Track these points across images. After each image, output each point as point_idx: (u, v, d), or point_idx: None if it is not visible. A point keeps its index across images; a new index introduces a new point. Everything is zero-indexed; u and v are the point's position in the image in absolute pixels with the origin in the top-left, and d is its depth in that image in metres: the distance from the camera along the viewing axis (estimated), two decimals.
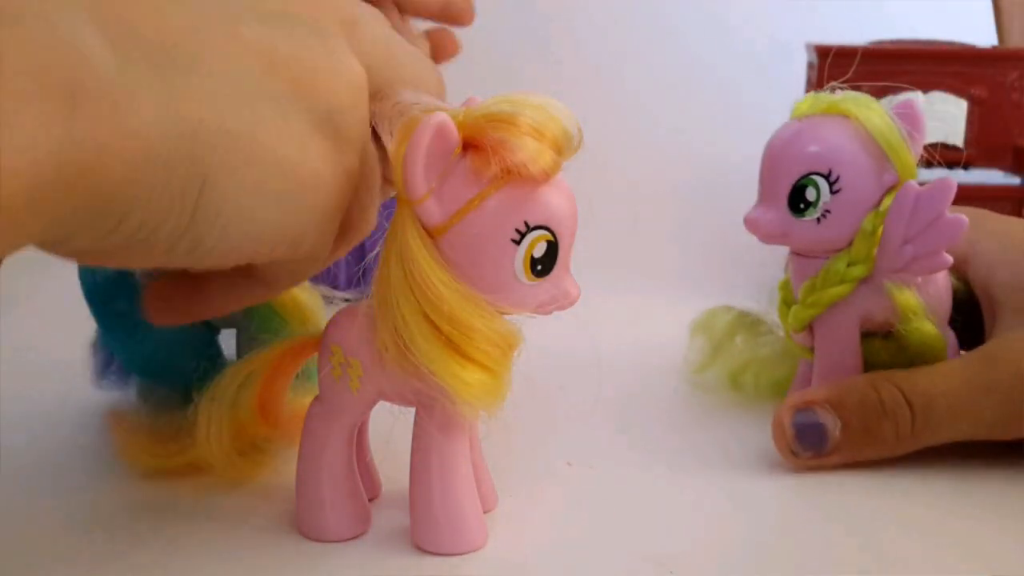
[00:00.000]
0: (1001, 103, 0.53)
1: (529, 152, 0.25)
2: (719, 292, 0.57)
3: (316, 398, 0.29)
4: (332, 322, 0.28)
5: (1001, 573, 0.28)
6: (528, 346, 0.47)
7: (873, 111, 0.33)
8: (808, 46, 0.55)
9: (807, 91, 0.55)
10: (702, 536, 0.30)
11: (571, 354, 0.47)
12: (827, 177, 0.33)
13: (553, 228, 0.26)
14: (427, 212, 0.25)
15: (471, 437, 0.29)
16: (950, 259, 0.33)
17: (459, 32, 0.72)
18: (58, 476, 0.34)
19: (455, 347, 0.25)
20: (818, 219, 0.34)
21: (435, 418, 0.27)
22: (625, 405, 0.41)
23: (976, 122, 0.53)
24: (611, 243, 0.65)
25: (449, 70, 0.69)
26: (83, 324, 0.38)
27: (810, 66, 0.55)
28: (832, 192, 0.33)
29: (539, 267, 0.26)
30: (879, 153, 0.33)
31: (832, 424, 0.32)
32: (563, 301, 0.27)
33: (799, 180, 0.34)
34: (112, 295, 0.34)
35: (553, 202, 0.26)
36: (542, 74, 0.72)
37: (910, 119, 0.33)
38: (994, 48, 0.65)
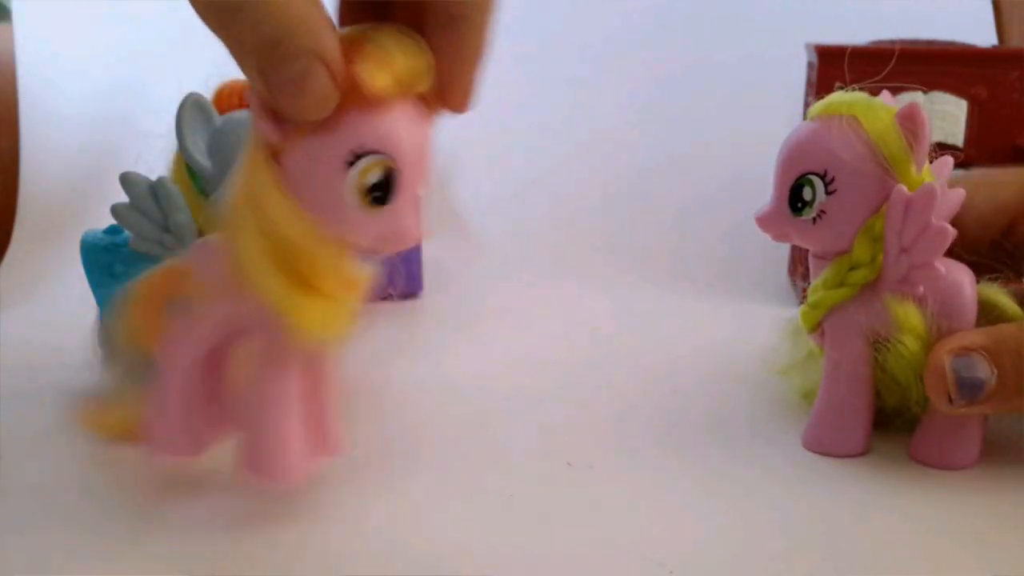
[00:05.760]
0: (1001, 103, 0.53)
1: (367, 68, 0.24)
2: (720, 291, 0.58)
3: (171, 318, 0.30)
4: (191, 249, 0.30)
5: (1001, 573, 0.28)
6: (529, 346, 0.47)
7: (878, 116, 0.33)
8: (808, 46, 0.55)
9: (807, 91, 0.55)
10: (702, 536, 0.30)
11: (571, 354, 0.47)
12: (822, 177, 0.33)
13: (393, 154, 0.25)
14: (264, 128, 0.25)
15: (322, 376, 0.29)
16: (942, 270, 0.32)
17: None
18: (58, 474, 0.34)
19: (291, 269, 0.26)
20: (814, 219, 0.34)
21: (267, 349, 0.28)
22: (625, 405, 0.41)
23: (976, 122, 0.53)
24: (611, 241, 0.65)
25: None
26: (83, 324, 0.38)
27: (810, 66, 0.55)
28: (827, 192, 0.33)
29: (375, 194, 0.25)
30: (880, 157, 0.32)
31: (989, 375, 0.32)
32: (400, 238, 0.26)
33: (797, 179, 0.34)
34: (110, 260, 0.37)
35: (394, 129, 0.25)
36: (543, 75, 0.72)
37: (911, 126, 0.32)
38: (994, 48, 0.65)
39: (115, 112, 0.69)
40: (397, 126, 0.25)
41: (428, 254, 0.58)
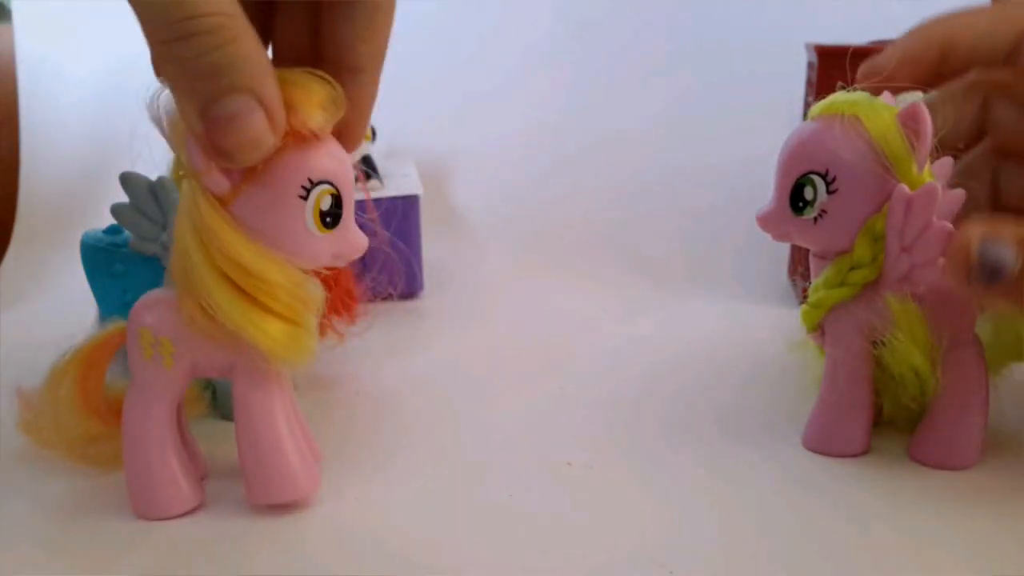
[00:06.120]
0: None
1: (304, 111, 0.27)
2: (720, 291, 0.58)
3: (131, 383, 0.30)
4: (136, 309, 0.30)
5: (1001, 574, 0.28)
6: (529, 346, 0.47)
7: (880, 115, 0.33)
8: (808, 46, 0.55)
9: (807, 91, 0.55)
10: (702, 536, 0.30)
11: (572, 354, 0.47)
12: (824, 176, 0.33)
13: (335, 181, 0.28)
14: (214, 182, 0.27)
15: (287, 396, 0.31)
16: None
17: (470, 25, 0.72)
18: (58, 473, 0.34)
19: (257, 303, 0.28)
20: (815, 219, 0.34)
21: (249, 379, 0.29)
22: (626, 405, 0.41)
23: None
24: (611, 241, 0.65)
25: (455, 69, 0.70)
26: (83, 324, 0.38)
27: (810, 66, 0.55)
28: (828, 192, 0.33)
29: (328, 219, 0.28)
30: (882, 156, 0.32)
31: (1012, 261, 0.30)
32: (352, 249, 0.29)
33: (799, 178, 0.34)
34: (110, 260, 0.37)
35: (330, 159, 0.28)
36: (544, 76, 0.72)
37: (913, 126, 0.32)
38: None
39: (115, 112, 0.69)
40: (334, 156, 0.28)
41: (428, 254, 0.58)
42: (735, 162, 0.65)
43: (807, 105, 0.55)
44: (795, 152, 0.34)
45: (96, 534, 0.30)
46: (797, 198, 0.34)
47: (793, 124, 0.58)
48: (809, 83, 0.55)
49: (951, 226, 0.31)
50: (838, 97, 0.34)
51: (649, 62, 0.71)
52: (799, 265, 0.55)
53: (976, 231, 0.31)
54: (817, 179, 0.33)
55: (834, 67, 0.51)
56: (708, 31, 0.71)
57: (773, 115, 0.58)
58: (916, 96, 0.35)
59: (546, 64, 0.72)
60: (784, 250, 0.57)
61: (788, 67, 0.59)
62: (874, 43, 0.54)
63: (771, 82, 0.63)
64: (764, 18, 0.70)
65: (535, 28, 0.73)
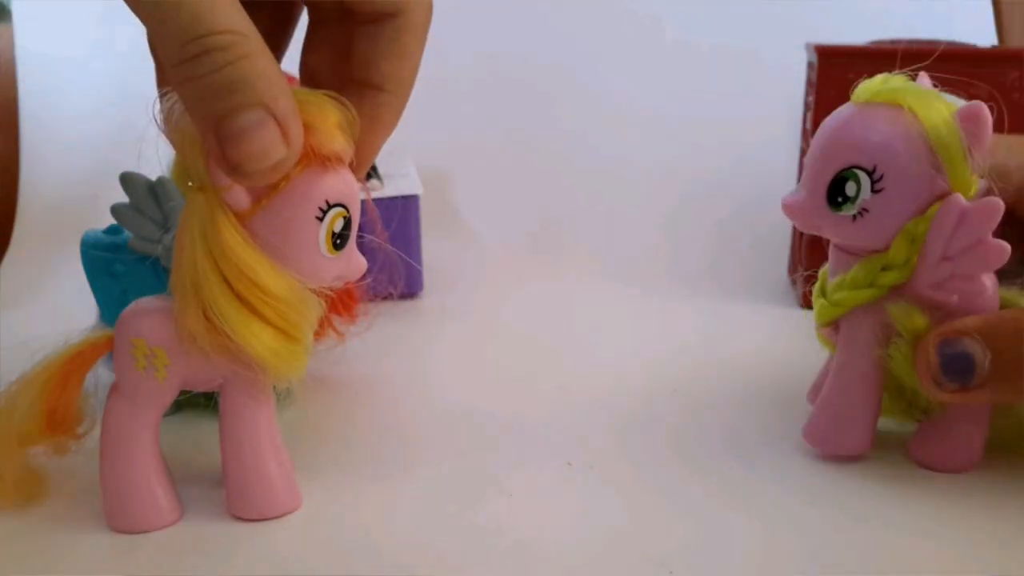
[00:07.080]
0: (1001, 103, 0.53)
1: (327, 134, 0.27)
2: (720, 291, 0.58)
3: (114, 393, 0.30)
4: (127, 318, 0.29)
5: (1001, 573, 0.28)
6: (528, 346, 0.47)
7: (936, 110, 0.30)
8: (808, 46, 0.55)
9: (807, 91, 0.55)
10: (702, 536, 0.30)
11: (572, 354, 0.47)
12: (871, 173, 0.31)
13: (347, 204, 0.28)
14: (235, 198, 0.27)
15: (272, 412, 0.31)
16: (987, 284, 0.31)
17: (465, 26, 0.72)
18: (55, 473, 0.34)
19: (260, 315, 0.27)
20: (854, 216, 0.31)
21: (238, 394, 0.30)
22: (626, 405, 0.41)
23: None
24: (611, 241, 0.65)
25: (452, 73, 0.69)
26: (83, 324, 0.38)
27: (810, 66, 0.55)
28: (873, 191, 0.31)
29: (338, 241, 0.28)
30: (934, 157, 0.30)
31: (981, 355, 0.30)
32: (354, 272, 0.30)
33: (841, 171, 0.31)
34: (110, 260, 0.37)
35: (344, 182, 0.28)
36: (541, 74, 0.72)
37: (972, 127, 0.30)
38: (994, 48, 0.65)
39: (115, 112, 0.69)
40: (348, 179, 0.28)
41: (428, 254, 0.58)
42: (735, 162, 0.65)
43: (807, 105, 0.55)
44: (839, 141, 0.31)
45: (78, 540, 0.30)
46: (836, 192, 0.31)
47: (793, 124, 0.58)
48: (809, 83, 0.55)
49: (1008, 246, 0.30)
50: (887, 84, 0.31)
51: (649, 62, 0.71)
52: (799, 265, 0.55)
53: (935, 336, 0.31)
54: (862, 175, 0.31)
55: (834, 67, 0.51)
56: (708, 31, 0.71)
57: (773, 115, 0.58)
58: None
59: (546, 64, 0.72)
60: (784, 250, 0.57)
61: (788, 67, 0.59)
62: (874, 43, 0.55)
63: (771, 82, 0.63)
64: (764, 18, 0.70)
65: (535, 28, 0.73)
